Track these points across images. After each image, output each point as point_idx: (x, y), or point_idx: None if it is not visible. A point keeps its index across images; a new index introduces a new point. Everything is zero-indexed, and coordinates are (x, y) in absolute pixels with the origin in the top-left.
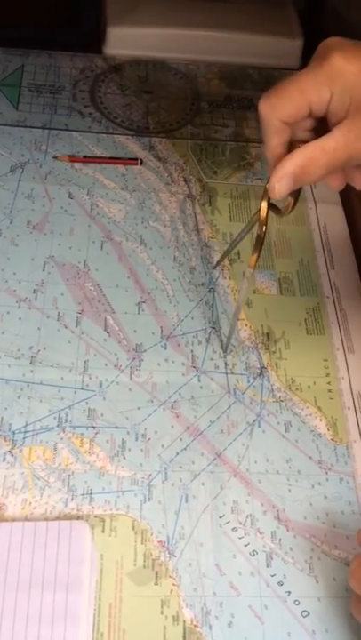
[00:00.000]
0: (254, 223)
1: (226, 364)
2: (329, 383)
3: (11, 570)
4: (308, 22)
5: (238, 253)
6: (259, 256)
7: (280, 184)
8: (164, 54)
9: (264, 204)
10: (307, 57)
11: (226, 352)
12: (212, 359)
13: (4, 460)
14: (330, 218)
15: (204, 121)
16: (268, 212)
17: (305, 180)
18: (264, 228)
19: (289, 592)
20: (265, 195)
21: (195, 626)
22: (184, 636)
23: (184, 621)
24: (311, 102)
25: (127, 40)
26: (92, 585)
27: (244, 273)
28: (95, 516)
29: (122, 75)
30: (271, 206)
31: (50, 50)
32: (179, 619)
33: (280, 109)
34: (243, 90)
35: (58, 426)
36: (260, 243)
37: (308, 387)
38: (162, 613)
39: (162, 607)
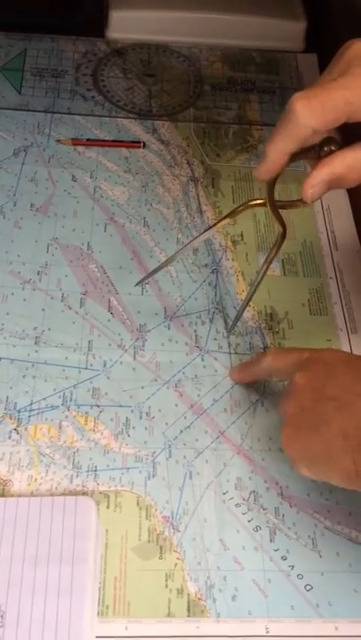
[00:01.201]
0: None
1: (229, 344)
2: None
3: (17, 544)
4: (311, 4)
5: (241, 235)
6: (276, 254)
7: (314, 190)
8: (167, 37)
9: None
10: (310, 39)
11: (230, 333)
12: (215, 339)
13: (10, 437)
14: (333, 199)
15: (207, 104)
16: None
17: (340, 187)
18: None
19: (292, 566)
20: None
21: (199, 599)
22: (188, 609)
23: (188, 594)
24: (353, 114)
25: (130, 23)
26: (97, 559)
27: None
28: (100, 493)
29: (124, 58)
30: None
31: (52, 34)
32: (183, 592)
33: (320, 117)
34: (246, 72)
35: (63, 404)
36: (279, 242)
37: None
38: (166, 587)
39: (166, 580)
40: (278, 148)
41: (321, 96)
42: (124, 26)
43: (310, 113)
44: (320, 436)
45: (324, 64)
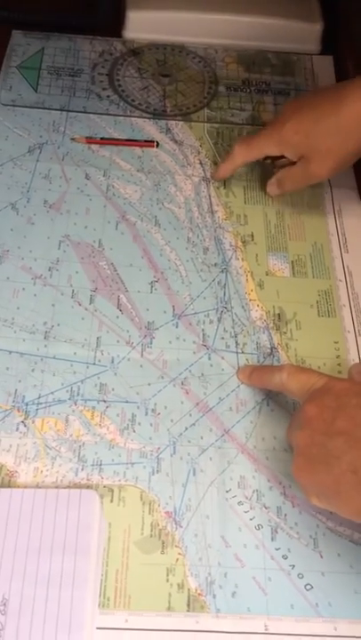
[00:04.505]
0: None
1: (237, 343)
2: (339, 365)
3: (21, 535)
4: (328, 6)
5: (252, 235)
6: None
7: (271, 187)
8: (183, 38)
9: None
10: (327, 41)
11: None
12: (223, 338)
13: (17, 429)
14: (345, 202)
15: (222, 104)
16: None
17: (283, 190)
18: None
19: (293, 565)
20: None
21: (199, 594)
22: (188, 604)
23: (189, 589)
24: (267, 153)
25: (146, 24)
26: (99, 551)
27: None
28: (104, 486)
29: (140, 58)
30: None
31: (70, 33)
32: (183, 587)
33: (245, 156)
34: (261, 74)
35: (70, 399)
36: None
37: (318, 367)
38: (167, 581)
39: (167, 575)
40: (220, 174)
41: (248, 144)
42: (141, 26)
43: (240, 152)
44: (330, 471)
45: (339, 66)
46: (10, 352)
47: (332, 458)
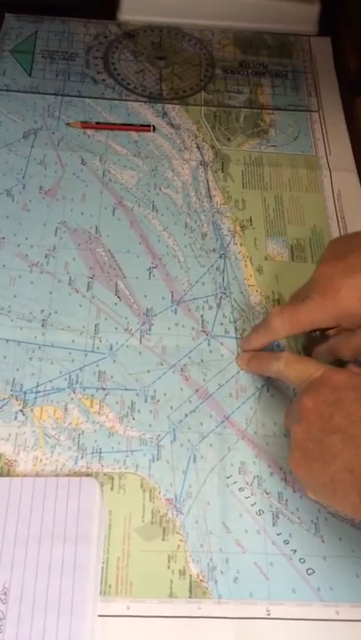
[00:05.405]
0: None
1: (236, 328)
2: None
3: (21, 523)
4: None
5: (250, 220)
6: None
7: (320, 356)
8: (179, 20)
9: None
10: (324, 23)
11: None
12: (222, 324)
13: (16, 418)
14: (344, 185)
15: (218, 87)
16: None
17: (336, 357)
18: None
19: (295, 550)
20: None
21: (201, 580)
22: (190, 590)
23: (190, 576)
24: (314, 326)
25: (141, 5)
26: (100, 539)
27: None
28: (104, 474)
29: (135, 41)
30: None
31: (63, 16)
32: (185, 573)
33: (287, 331)
34: (258, 56)
35: (68, 387)
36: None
37: None
38: (168, 568)
39: (169, 562)
40: (254, 341)
41: (294, 314)
42: (136, 8)
43: (281, 325)
44: (326, 468)
45: (337, 47)
46: (7, 340)
47: (329, 455)
